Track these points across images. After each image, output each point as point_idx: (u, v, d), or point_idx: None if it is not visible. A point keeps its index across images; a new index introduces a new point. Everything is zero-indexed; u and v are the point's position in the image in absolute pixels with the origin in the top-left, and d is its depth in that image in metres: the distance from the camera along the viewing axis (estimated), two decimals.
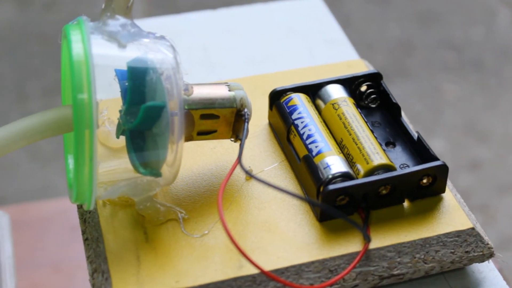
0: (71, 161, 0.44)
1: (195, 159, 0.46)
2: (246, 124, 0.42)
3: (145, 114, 0.40)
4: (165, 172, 0.41)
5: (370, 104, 0.48)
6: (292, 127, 0.45)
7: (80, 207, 0.45)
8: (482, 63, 1.71)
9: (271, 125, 0.48)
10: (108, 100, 0.43)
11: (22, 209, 0.72)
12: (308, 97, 0.47)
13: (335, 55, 0.57)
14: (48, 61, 1.74)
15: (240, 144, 0.42)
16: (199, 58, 0.57)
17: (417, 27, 1.81)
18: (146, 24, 0.61)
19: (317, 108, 0.47)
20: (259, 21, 0.61)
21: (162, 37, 0.42)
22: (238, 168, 0.44)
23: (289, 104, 0.46)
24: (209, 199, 0.44)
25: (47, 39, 1.80)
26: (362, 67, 0.53)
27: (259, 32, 0.60)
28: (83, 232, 0.43)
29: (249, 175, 0.40)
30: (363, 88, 0.48)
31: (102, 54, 0.40)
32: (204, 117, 0.42)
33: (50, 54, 1.76)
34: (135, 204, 0.43)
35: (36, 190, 1.50)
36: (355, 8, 1.86)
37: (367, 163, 0.42)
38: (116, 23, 0.41)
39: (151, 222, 0.42)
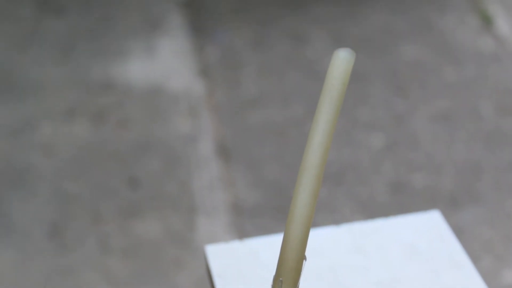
0: None
1: None
2: None
3: None
4: None
5: None
6: None
7: None
8: None
9: None
10: None
11: None
12: None
13: (461, 281, 0.59)
14: (123, 180, 1.79)
15: None
16: (330, 281, 0.60)
17: (484, 148, 1.82)
18: (271, 241, 0.64)
19: None
20: (383, 239, 0.64)
21: None
22: None
23: None
24: None
25: (122, 158, 1.85)
26: None
27: (383, 251, 0.62)
28: None
29: None
30: None
31: None
32: None
33: (123, 173, 1.81)
34: None
35: None
36: (421, 127, 1.89)
37: None
38: None
39: None
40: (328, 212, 1.67)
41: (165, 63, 2.13)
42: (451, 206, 1.67)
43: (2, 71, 2.13)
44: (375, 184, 1.75)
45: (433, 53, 2.10)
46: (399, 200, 1.69)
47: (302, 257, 0.45)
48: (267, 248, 0.62)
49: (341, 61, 0.48)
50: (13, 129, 1.94)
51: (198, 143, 1.89)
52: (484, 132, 1.87)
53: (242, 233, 1.66)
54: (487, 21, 2.20)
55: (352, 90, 1.99)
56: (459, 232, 1.60)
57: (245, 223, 1.68)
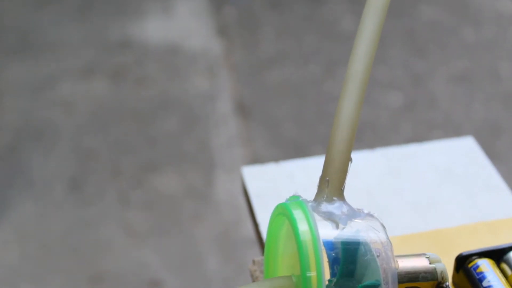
0: None
1: None
2: None
3: None
4: None
5: None
6: None
7: None
8: None
9: (455, 285, 0.51)
10: None
11: None
12: (494, 262, 0.49)
13: (497, 203, 0.60)
14: (142, 137, 1.80)
15: None
16: (365, 202, 0.60)
17: (503, 108, 1.82)
18: (307, 164, 0.65)
19: (502, 271, 0.50)
20: (418, 162, 0.64)
21: (371, 215, 0.46)
22: None
23: (478, 270, 0.49)
24: None
25: (140, 115, 1.86)
26: None
27: (418, 174, 0.63)
28: None
29: None
30: None
31: (321, 233, 0.44)
32: None
33: (142, 130, 1.82)
34: None
35: (131, 267, 1.53)
36: (439, 87, 1.89)
37: None
38: (332, 206, 0.45)
39: None
40: None
41: (182, 22, 2.13)
42: None
43: (21, 30, 2.13)
44: (393, 143, 1.75)
45: (452, 14, 2.09)
46: None
47: (348, 158, 0.46)
48: (301, 170, 0.63)
49: None
50: (33, 87, 1.95)
51: (217, 101, 1.90)
52: (503, 93, 1.86)
53: None
54: None
55: None
56: None
57: None
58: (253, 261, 0.55)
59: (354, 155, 0.64)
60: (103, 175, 1.71)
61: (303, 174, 0.62)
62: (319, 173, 0.55)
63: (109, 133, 1.82)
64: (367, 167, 0.64)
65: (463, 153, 0.65)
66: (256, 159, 1.74)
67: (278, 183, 0.62)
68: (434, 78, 1.92)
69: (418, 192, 0.61)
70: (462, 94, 1.87)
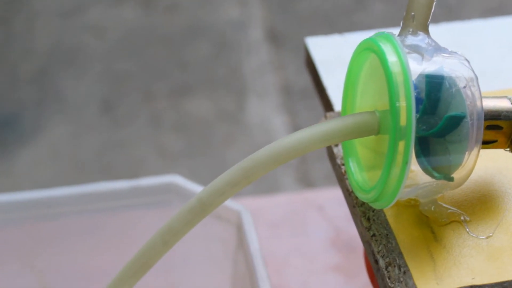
0: (352, 164, 0.48)
1: None
2: None
3: (446, 123, 0.44)
4: (456, 177, 0.45)
5: None
6: None
7: (361, 205, 0.48)
8: None
9: None
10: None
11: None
12: None
13: None
14: (173, 63, 1.80)
15: None
16: None
17: None
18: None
19: None
20: (483, 37, 0.64)
21: (455, 52, 0.46)
22: (498, 175, 0.48)
23: None
24: (486, 203, 0.47)
25: (171, 41, 1.86)
26: None
27: (483, 47, 0.63)
28: (368, 229, 0.47)
29: None
30: None
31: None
32: (489, 127, 0.46)
33: (174, 56, 1.82)
34: (419, 204, 0.47)
35: None
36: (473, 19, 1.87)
37: None
38: (418, 38, 0.45)
39: (435, 223, 0.46)
40: None
41: None
42: None
43: None
44: None
45: None
46: None
47: None
48: None
49: None
50: (63, 12, 1.95)
51: (248, 29, 1.89)
52: None
53: (292, 113, 1.67)
54: None
55: None
56: None
57: (295, 104, 1.69)
58: (325, 116, 0.55)
59: None
60: (135, 98, 1.72)
61: None
62: None
63: (141, 57, 1.83)
64: None
65: None
66: (288, 85, 1.74)
67: (342, 52, 0.62)
68: (466, 10, 1.91)
69: (484, 62, 0.61)
70: None
